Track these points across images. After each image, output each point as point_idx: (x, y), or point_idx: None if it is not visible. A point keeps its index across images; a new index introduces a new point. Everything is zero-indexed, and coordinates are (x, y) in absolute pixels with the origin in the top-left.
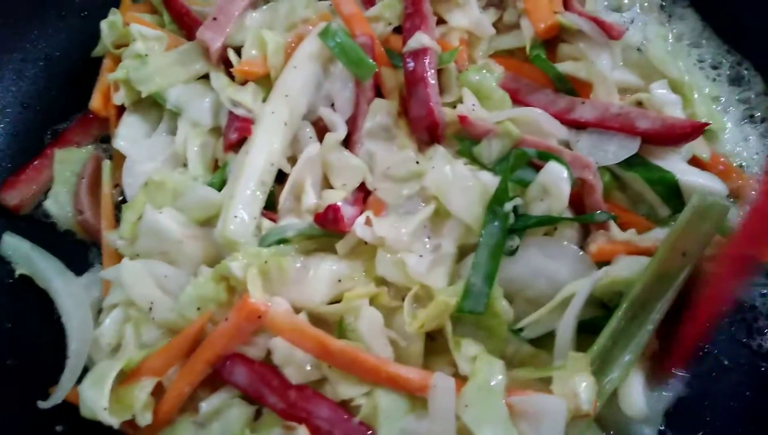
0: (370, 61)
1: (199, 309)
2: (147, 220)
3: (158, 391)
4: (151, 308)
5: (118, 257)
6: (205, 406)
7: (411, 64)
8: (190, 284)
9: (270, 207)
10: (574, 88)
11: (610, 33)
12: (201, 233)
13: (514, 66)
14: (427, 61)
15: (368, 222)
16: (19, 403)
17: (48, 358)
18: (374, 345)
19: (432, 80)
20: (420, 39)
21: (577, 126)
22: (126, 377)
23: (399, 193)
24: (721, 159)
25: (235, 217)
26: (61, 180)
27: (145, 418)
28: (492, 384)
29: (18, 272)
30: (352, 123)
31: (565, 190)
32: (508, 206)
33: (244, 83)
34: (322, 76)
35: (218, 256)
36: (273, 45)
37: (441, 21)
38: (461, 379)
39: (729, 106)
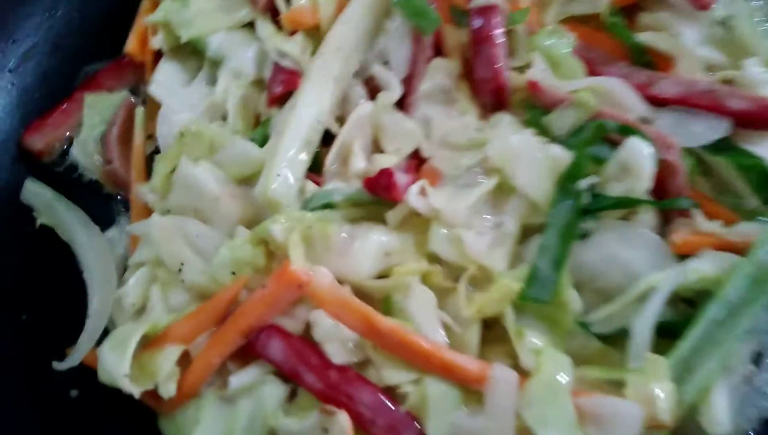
0: (435, 12)
1: (233, 274)
2: (182, 173)
3: (184, 361)
4: (180, 269)
5: (148, 212)
6: (235, 380)
7: (477, 22)
8: (224, 246)
9: (315, 169)
10: (653, 61)
11: (698, 2)
12: (239, 191)
13: (586, 34)
14: (495, 20)
15: (423, 192)
16: (32, 362)
17: (65, 316)
18: (425, 328)
19: (499, 40)
20: None
21: (658, 103)
22: (150, 342)
23: (458, 163)
24: None
25: (278, 175)
26: (90, 126)
27: (168, 389)
28: (559, 381)
29: (40, 221)
30: (408, 84)
31: (649, 169)
32: (583, 183)
33: (292, 34)
34: (377, 31)
35: (256, 217)
36: None
37: None
38: (522, 373)
39: None
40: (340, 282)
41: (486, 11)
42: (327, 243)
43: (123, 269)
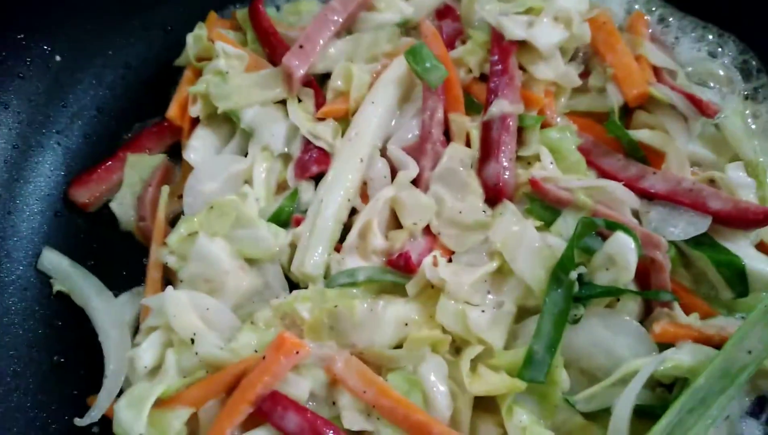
0: (442, 67)
1: (256, 351)
2: (199, 246)
3: (192, 422)
4: (193, 339)
5: (160, 283)
6: None
7: (489, 131)
8: (249, 329)
9: None
10: (646, 156)
11: (705, 111)
12: (246, 267)
13: (587, 126)
14: (505, 130)
15: (435, 262)
16: (62, 397)
17: (89, 360)
18: (435, 394)
19: (507, 148)
20: (502, 106)
21: (647, 196)
22: (162, 402)
23: (463, 242)
24: None
25: (315, 253)
26: (129, 184)
27: None
28: None
29: (56, 289)
30: (419, 164)
31: (632, 261)
32: (573, 275)
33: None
34: (397, 111)
35: (259, 291)
36: (358, 81)
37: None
38: None
39: None
40: (360, 352)
41: (497, 121)
42: (352, 317)
43: (134, 329)
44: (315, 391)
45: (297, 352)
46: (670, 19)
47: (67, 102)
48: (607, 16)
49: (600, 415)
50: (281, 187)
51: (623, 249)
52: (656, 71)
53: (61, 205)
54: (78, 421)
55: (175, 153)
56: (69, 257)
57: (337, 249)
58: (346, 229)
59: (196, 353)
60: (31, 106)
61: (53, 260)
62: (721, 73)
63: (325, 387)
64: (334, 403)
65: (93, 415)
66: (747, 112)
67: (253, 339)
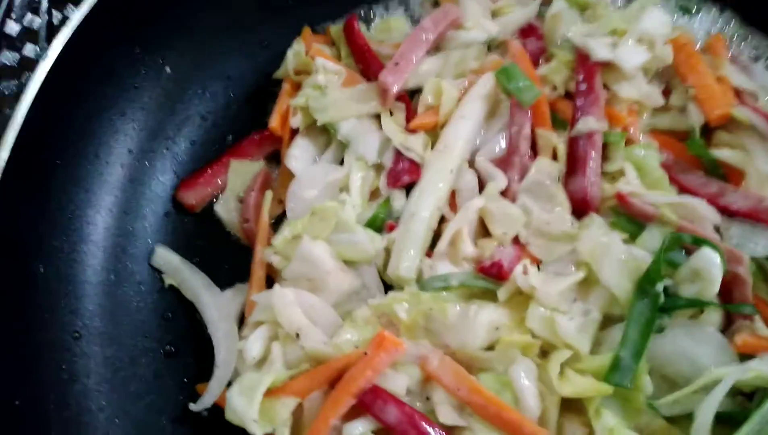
0: (535, 86)
1: (357, 347)
2: (303, 248)
3: (297, 411)
4: (298, 335)
5: (264, 279)
6: (348, 429)
7: (576, 146)
8: (351, 326)
9: None
10: (724, 174)
11: None
12: (345, 268)
13: (666, 143)
14: (591, 145)
15: (525, 270)
16: (174, 383)
17: (197, 350)
18: (525, 394)
19: (593, 163)
20: (588, 123)
21: (727, 213)
22: (270, 392)
23: (551, 251)
24: None
25: (408, 257)
26: (233, 188)
27: (283, 434)
28: None
29: (167, 283)
30: (507, 176)
31: (718, 275)
32: (660, 286)
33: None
34: (483, 126)
35: (356, 291)
36: (447, 96)
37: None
38: None
39: None
40: (454, 352)
41: (584, 138)
42: (445, 320)
43: (239, 323)
44: (410, 386)
45: (396, 349)
46: (749, 40)
47: (174, 111)
48: (687, 37)
49: (680, 419)
50: (373, 194)
51: (709, 264)
52: (737, 93)
53: (171, 206)
54: (192, 407)
55: (271, 160)
56: (178, 254)
57: (428, 255)
58: (435, 236)
59: (302, 347)
60: (143, 114)
61: (165, 257)
62: None
63: (418, 383)
64: (427, 399)
65: (206, 401)
66: None
67: (354, 335)
